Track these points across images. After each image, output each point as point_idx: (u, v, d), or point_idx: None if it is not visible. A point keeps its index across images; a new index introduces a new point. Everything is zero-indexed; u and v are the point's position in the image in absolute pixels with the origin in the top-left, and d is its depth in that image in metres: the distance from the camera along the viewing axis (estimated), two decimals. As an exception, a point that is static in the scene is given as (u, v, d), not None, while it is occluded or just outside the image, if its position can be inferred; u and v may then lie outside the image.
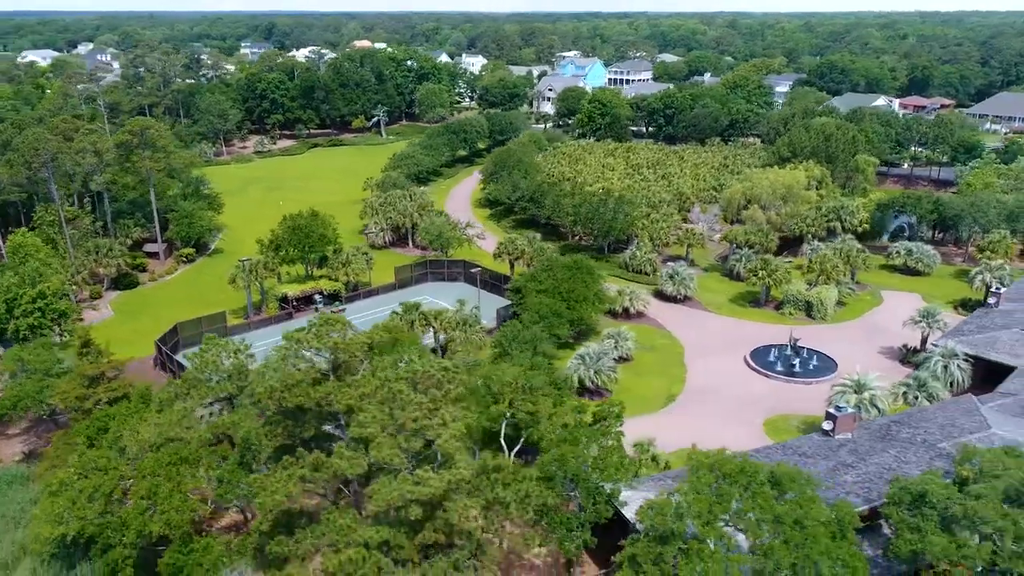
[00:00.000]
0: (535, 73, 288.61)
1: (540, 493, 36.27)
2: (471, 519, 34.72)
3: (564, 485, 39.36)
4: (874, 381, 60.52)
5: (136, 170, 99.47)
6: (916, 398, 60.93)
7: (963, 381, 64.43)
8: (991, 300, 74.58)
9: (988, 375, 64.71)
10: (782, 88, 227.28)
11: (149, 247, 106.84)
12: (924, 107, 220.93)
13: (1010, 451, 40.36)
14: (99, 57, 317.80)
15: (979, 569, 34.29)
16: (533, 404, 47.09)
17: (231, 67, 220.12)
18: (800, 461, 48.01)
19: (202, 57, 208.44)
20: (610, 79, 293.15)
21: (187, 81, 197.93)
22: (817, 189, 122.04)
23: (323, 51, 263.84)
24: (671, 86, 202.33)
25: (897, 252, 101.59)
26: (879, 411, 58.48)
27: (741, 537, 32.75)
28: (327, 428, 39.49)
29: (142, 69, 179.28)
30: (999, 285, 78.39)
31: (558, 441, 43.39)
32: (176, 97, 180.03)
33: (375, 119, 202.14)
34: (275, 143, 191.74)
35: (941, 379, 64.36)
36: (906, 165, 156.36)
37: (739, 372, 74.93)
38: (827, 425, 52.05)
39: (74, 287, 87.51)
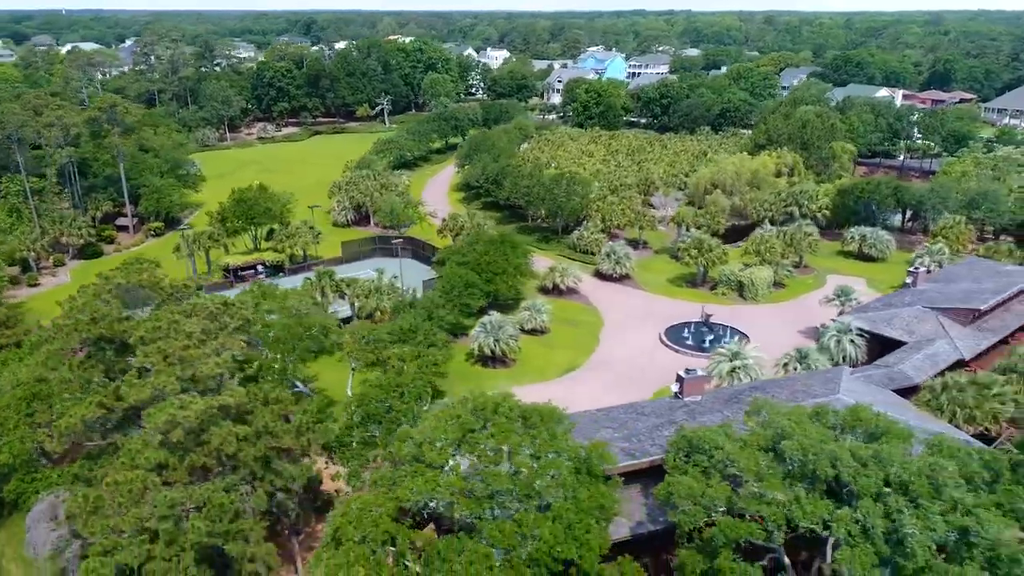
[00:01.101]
0: (556, 67, 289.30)
1: (313, 426, 37.83)
2: (239, 444, 36.42)
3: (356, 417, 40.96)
4: (752, 352, 60.50)
5: (105, 146, 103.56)
6: (796, 368, 60.71)
7: (856, 355, 63.76)
8: (908, 280, 73.47)
9: (884, 350, 63.90)
10: (794, 81, 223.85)
11: (122, 221, 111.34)
12: (942, 101, 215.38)
13: (801, 410, 40.31)
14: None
15: (722, 510, 34.61)
16: (373, 353, 48.76)
17: (246, 55, 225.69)
18: (631, 418, 48.56)
19: (214, 47, 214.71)
20: (630, 72, 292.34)
21: (200, 69, 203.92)
22: (790, 176, 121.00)
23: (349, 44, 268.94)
24: (675, 77, 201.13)
25: (852, 237, 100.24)
26: (751, 379, 58.49)
27: (466, 462, 33.75)
28: (130, 359, 41.78)
29: (152, 57, 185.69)
30: (919, 266, 77.06)
31: (374, 385, 44.93)
32: (183, 84, 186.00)
33: (379, 108, 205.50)
34: (280, 130, 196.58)
35: (833, 352, 63.92)
36: (901, 156, 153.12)
37: (650, 347, 75.20)
38: (675, 387, 52.35)
39: (33, 254, 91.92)
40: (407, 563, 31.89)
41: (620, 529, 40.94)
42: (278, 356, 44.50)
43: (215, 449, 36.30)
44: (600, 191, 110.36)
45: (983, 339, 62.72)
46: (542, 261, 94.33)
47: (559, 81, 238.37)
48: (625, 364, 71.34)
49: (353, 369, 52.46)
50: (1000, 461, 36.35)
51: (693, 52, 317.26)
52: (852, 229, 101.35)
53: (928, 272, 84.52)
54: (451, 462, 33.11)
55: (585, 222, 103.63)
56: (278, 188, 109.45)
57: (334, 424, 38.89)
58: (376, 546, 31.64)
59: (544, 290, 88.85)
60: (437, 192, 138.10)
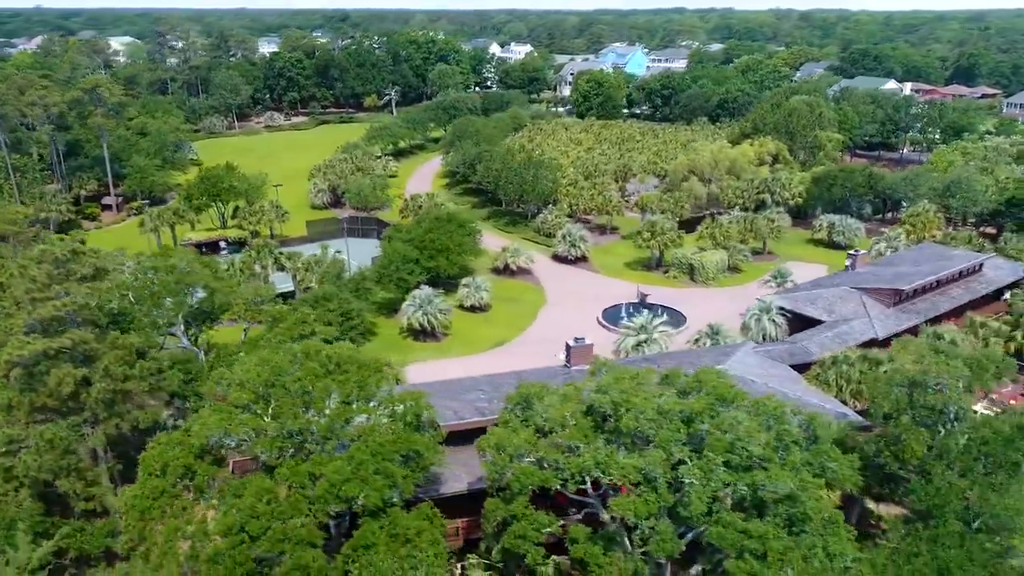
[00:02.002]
0: (578, 60, 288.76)
1: (156, 372, 39.01)
2: (77, 386, 37.77)
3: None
4: (660, 327, 60.30)
5: (89, 126, 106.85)
6: (706, 343, 60.30)
7: (775, 333, 62.99)
8: (847, 263, 72.21)
9: (805, 328, 63.01)
10: (813, 75, 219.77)
11: (107, 200, 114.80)
12: (963, 95, 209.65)
13: (650, 372, 40.08)
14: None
15: (529, 460, 34.80)
16: (260, 315, 49.89)
17: (272, 50, 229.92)
18: (510, 384, 48.60)
19: (229, 38, 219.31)
20: (650, 66, 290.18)
21: (215, 59, 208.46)
22: (773, 164, 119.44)
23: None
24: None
25: (820, 225, 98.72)
26: (659, 351, 58.34)
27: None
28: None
29: (164, 48, 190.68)
30: (857, 249, 75.80)
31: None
32: (195, 73, 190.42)
33: (387, 98, 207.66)
34: (289, 119, 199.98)
35: (753, 330, 63.31)
36: (904, 149, 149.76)
37: (584, 325, 74.86)
38: (562, 356, 52.53)
39: (11, 227, 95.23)
40: (204, 498, 32.82)
41: (457, 483, 41.50)
42: (151, 309, 45.89)
43: (54, 389, 37.65)
44: (574, 177, 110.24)
45: (905, 320, 61.42)
46: (501, 243, 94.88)
47: (571, 74, 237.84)
48: (554, 341, 71.03)
49: (245, 330, 53.80)
50: (824, 426, 35.93)
51: (716, 47, 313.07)
52: (822, 217, 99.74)
53: (880, 255, 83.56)
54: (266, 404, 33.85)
55: (550, 206, 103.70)
56: (272, 173, 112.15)
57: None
58: (174, 479, 32.62)
59: (497, 270, 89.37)
60: (424, 178, 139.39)
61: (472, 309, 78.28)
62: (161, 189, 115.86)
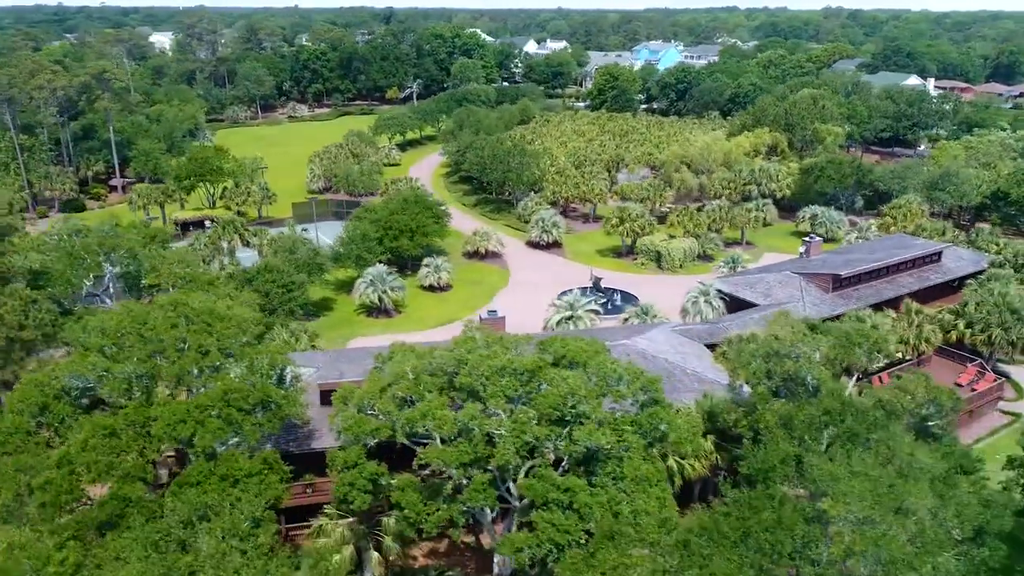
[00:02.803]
0: (611, 56, 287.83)
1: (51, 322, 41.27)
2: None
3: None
4: (587, 305, 60.75)
5: (96, 110, 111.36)
6: (635, 322, 60.47)
7: (712, 316, 62.71)
8: (801, 249, 71.39)
9: (740, 311, 62.69)
10: (841, 71, 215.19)
11: (114, 181, 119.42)
12: (1000, 94, 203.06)
13: (527, 337, 40.60)
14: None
15: (372, 412, 35.81)
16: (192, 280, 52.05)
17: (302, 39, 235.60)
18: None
19: (258, 31, 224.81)
20: (681, 62, 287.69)
21: (245, 50, 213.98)
22: (770, 156, 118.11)
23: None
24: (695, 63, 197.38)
25: (803, 217, 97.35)
26: (586, 327, 58.99)
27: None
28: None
29: (193, 40, 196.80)
30: (813, 236, 74.73)
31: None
32: (222, 64, 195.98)
33: (408, 91, 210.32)
34: (312, 110, 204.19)
35: (691, 313, 63.20)
36: (923, 146, 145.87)
37: (539, 307, 75.49)
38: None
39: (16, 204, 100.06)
40: (58, 435, 34.70)
41: (331, 440, 42.74)
42: (67, 268, 48.36)
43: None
44: (563, 166, 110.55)
45: (841, 305, 60.56)
46: (475, 227, 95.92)
47: (595, 69, 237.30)
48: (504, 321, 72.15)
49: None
50: (653, 386, 36.11)
51: (750, 44, 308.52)
52: (805, 208, 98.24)
53: (850, 243, 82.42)
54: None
55: (532, 194, 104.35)
56: (282, 160, 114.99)
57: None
58: (28, 416, 34.56)
59: (468, 254, 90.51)
60: (427, 168, 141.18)
61: (431, 288, 79.52)
62: (165, 172, 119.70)
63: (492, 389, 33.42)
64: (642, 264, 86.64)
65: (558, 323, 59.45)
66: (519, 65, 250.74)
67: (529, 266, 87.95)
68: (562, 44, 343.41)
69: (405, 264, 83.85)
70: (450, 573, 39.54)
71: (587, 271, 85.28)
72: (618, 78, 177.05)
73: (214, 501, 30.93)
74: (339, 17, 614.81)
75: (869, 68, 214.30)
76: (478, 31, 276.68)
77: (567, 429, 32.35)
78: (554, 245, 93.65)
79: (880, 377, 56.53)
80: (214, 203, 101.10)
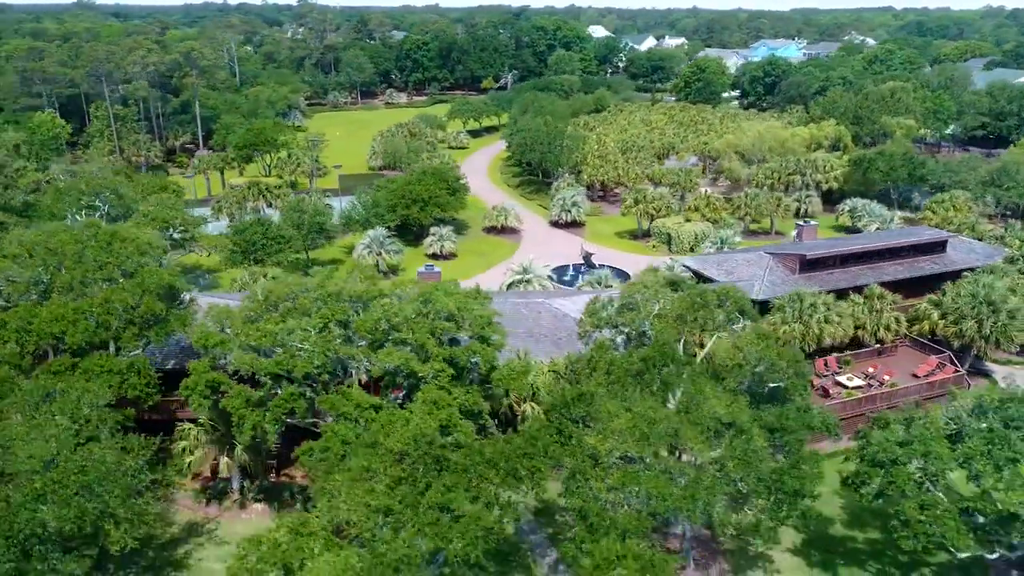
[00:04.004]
0: (727, 53, 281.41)
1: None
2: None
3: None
4: (539, 270, 61.91)
5: (183, 85, 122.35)
6: (587, 289, 61.01)
7: (673, 292, 62.11)
8: (794, 233, 69.01)
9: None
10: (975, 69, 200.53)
11: (199, 152, 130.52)
12: None
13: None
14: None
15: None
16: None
17: (400, 33, 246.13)
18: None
19: (368, 22, 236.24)
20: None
21: (355, 39, 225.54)
22: (835, 149, 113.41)
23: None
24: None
25: (843, 210, 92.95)
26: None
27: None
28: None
29: (303, 28, 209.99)
30: (807, 220, 71.77)
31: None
32: (329, 52, 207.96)
33: (503, 81, 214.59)
34: (410, 98, 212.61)
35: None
36: None
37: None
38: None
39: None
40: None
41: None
42: (54, 202, 55.06)
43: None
44: (604, 151, 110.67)
45: (804, 286, 58.24)
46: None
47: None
48: (489, 290, 74.21)
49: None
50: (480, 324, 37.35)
51: (871, 42, 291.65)
52: (846, 201, 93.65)
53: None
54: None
55: (565, 174, 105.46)
56: (363, 140, 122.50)
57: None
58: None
59: (489, 229, 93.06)
60: (491, 152, 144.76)
61: (435, 256, 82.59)
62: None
63: (324, 311, 36.00)
64: (653, 246, 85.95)
65: (510, 285, 60.88)
66: (623, 59, 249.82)
67: (541, 242, 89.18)
68: (679, 41, 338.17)
69: (422, 233, 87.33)
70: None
71: (597, 250, 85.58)
72: (704, 70, 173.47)
73: (66, 388, 35.23)
74: (474, 15, 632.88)
75: (998, 66, 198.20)
76: (581, 24, 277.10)
77: (374, 346, 34.45)
78: (576, 225, 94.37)
79: (825, 360, 54.39)
80: (269, 172, 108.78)
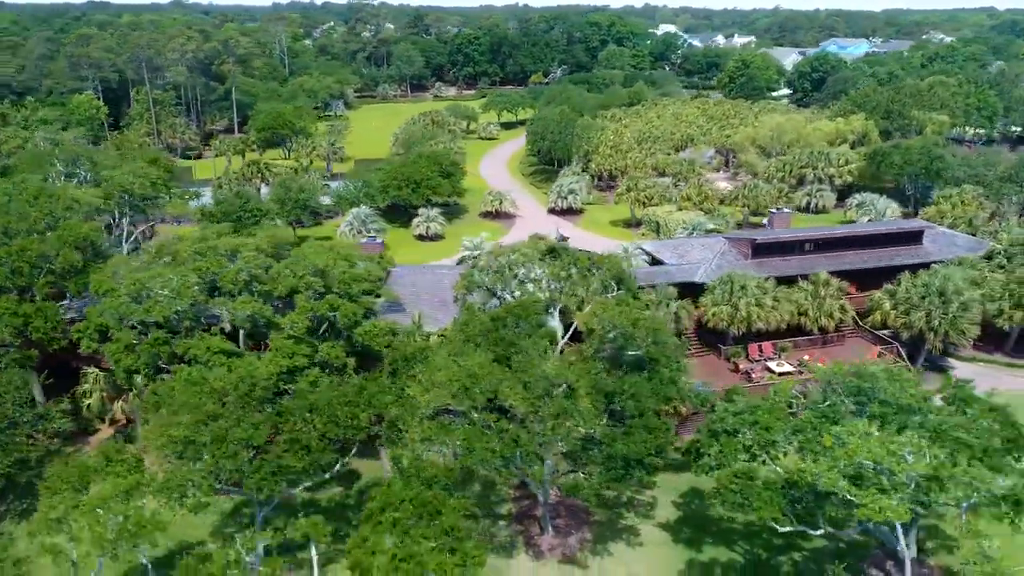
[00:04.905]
0: (794, 52, 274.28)
1: None
2: None
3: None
4: (489, 247, 62.34)
5: (221, 73, 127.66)
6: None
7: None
8: (765, 221, 67.30)
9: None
10: None
11: (233, 136, 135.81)
12: None
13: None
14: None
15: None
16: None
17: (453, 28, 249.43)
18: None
19: (424, 17, 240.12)
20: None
21: (410, 33, 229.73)
22: (861, 144, 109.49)
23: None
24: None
25: (850, 205, 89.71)
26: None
27: None
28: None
29: (359, 24, 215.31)
30: (780, 208, 69.75)
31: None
32: (382, 46, 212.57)
33: (552, 75, 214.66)
34: (460, 92, 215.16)
35: (609, 270, 62.48)
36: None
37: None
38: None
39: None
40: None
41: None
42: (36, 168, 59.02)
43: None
44: (618, 141, 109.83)
45: (754, 272, 56.81)
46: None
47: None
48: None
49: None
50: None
51: (944, 39, 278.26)
52: (855, 196, 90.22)
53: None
54: None
55: (569, 164, 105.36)
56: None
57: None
58: None
59: (483, 213, 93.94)
60: (519, 143, 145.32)
61: (421, 238, 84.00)
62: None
63: (199, 263, 37.63)
64: (643, 234, 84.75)
65: (460, 261, 61.59)
66: (678, 56, 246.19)
67: (532, 227, 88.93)
68: (748, 39, 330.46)
69: (415, 215, 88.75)
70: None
71: (587, 237, 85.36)
72: (749, 65, 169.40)
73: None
74: (556, 16, 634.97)
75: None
76: (638, 21, 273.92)
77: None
78: (573, 212, 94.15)
79: (760, 346, 52.96)
80: (289, 154, 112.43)
